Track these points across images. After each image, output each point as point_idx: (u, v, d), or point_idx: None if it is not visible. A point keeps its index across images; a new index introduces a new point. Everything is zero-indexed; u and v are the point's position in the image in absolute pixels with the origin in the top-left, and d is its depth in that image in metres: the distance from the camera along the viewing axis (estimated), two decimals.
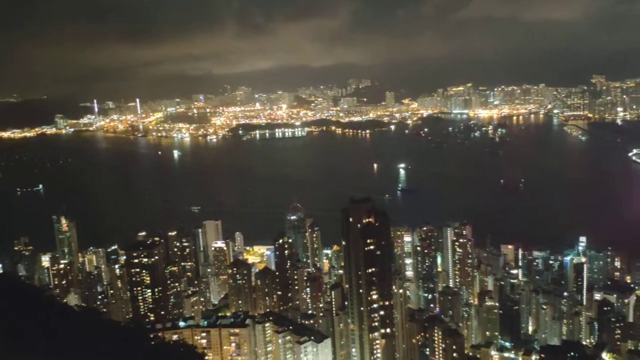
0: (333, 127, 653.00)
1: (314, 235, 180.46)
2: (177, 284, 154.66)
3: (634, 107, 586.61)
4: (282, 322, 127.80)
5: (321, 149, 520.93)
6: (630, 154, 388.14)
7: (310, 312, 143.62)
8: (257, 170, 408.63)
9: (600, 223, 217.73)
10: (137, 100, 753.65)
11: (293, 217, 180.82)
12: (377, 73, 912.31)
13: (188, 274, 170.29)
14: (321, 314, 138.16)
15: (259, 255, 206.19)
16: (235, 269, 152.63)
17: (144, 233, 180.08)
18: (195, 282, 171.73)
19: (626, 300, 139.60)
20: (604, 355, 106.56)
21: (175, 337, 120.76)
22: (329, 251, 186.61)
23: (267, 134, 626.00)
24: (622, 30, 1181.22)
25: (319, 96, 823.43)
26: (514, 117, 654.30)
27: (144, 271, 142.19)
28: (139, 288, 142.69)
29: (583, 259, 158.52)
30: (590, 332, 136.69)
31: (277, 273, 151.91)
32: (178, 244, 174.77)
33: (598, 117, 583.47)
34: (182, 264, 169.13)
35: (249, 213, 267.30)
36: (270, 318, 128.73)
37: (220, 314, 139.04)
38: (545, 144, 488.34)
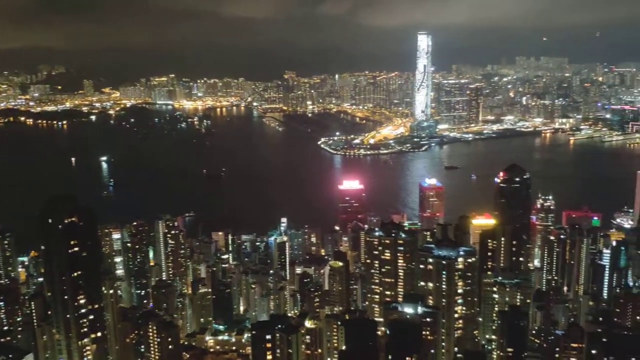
0: (22, 118, 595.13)
1: (5, 242, 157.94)
2: None
3: (320, 100, 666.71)
4: None
5: (7, 144, 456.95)
6: (319, 142, 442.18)
7: (5, 328, 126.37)
8: None
9: (297, 204, 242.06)
10: None
11: None
12: (73, 59, 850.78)
13: None
14: (20, 329, 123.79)
15: None
16: None
17: None
18: None
19: (322, 271, 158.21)
20: (307, 322, 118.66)
21: None
22: (25, 258, 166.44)
23: None
24: (310, 30, 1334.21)
25: (3, 83, 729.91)
26: (218, 109, 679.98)
27: None
28: None
29: (285, 238, 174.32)
30: (294, 303, 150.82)
31: None
32: None
33: (291, 110, 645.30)
34: None
35: None
36: None
37: None
38: (247, 134, 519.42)
